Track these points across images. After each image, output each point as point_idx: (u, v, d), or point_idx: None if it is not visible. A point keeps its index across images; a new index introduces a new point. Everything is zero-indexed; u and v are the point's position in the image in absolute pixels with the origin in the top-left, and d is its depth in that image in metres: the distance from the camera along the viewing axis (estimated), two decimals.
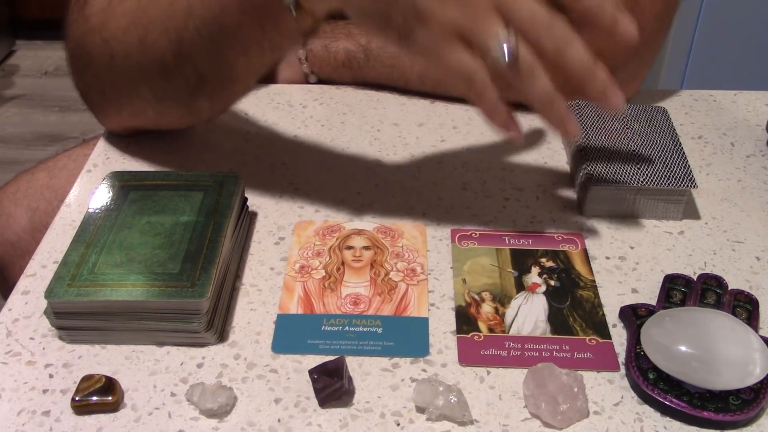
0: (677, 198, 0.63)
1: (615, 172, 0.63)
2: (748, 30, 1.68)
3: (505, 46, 0.49)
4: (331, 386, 0.47)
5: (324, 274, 0.57)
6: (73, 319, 0.51)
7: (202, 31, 0.57)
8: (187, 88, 0.62)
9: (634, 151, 0.65)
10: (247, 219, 0.62)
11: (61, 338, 0.52)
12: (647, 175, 0.63)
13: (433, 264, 0.59)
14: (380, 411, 0.48)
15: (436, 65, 0.52)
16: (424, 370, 0.50)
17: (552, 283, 0.57)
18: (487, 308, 0.55)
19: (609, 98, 0.52)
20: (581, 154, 0.65)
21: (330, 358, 0.49)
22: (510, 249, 0.60)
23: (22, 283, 0.57)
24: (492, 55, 0.50)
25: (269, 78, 0.83)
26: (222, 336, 0.53)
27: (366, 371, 0.50)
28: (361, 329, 0.53)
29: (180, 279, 0.52)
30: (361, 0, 0.51)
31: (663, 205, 0.63)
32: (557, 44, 0.50)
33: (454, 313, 0.55)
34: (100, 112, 0.69)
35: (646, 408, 0.48)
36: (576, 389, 0.47)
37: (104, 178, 0.62)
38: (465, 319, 0.54)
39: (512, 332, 0.53)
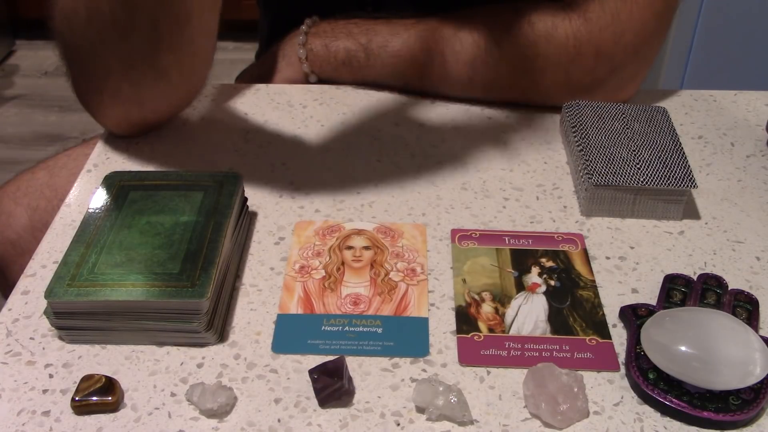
0: (677, 198, 0.63)
1: (615, 172, 0.63)
2: (748, 30, 1.68)
3: None
4: (331, 386, 0.47)
5: (324, 274, 0.57)
6: (73, 319, 0.51)
7: None
8: (146, 42, 0.62)
9: (634, 151, 0.65)
10: (247, 219, 0.62)
11: (61, 338, 0.52)
12: (647, 175, 0.63)
13: (433, 264, 0.59)
14: (380, 411, 0.48)
15: None
16: (424, 370, 0.50)
17: (552, 283, 0.57)
18: (487, 308, 0.55)
19: None
20: (581, 154, 0.65)
21: (330, 358, 0.49)
22: (510, 249, 0.60)
23: (22, 283, 0.57)
24: None
25: (269, 78, 0.83)
26: (222, 336, 0.53)
27: (366, 371, 0.50)
28: (361, 329, 0.53)
29: (180, 279, 0.52)
30: None
31: (663, 205, 0.63)
32: None
33: (454, 313, 0.55)
34: (89, 102, 0.70)
35: (646, 408, 0.48)
36: (576, 389, 0.47)
37: (104, 178, 0.62)
38: (465, 319, 0.54)
39: (512, 332, 0.53)
